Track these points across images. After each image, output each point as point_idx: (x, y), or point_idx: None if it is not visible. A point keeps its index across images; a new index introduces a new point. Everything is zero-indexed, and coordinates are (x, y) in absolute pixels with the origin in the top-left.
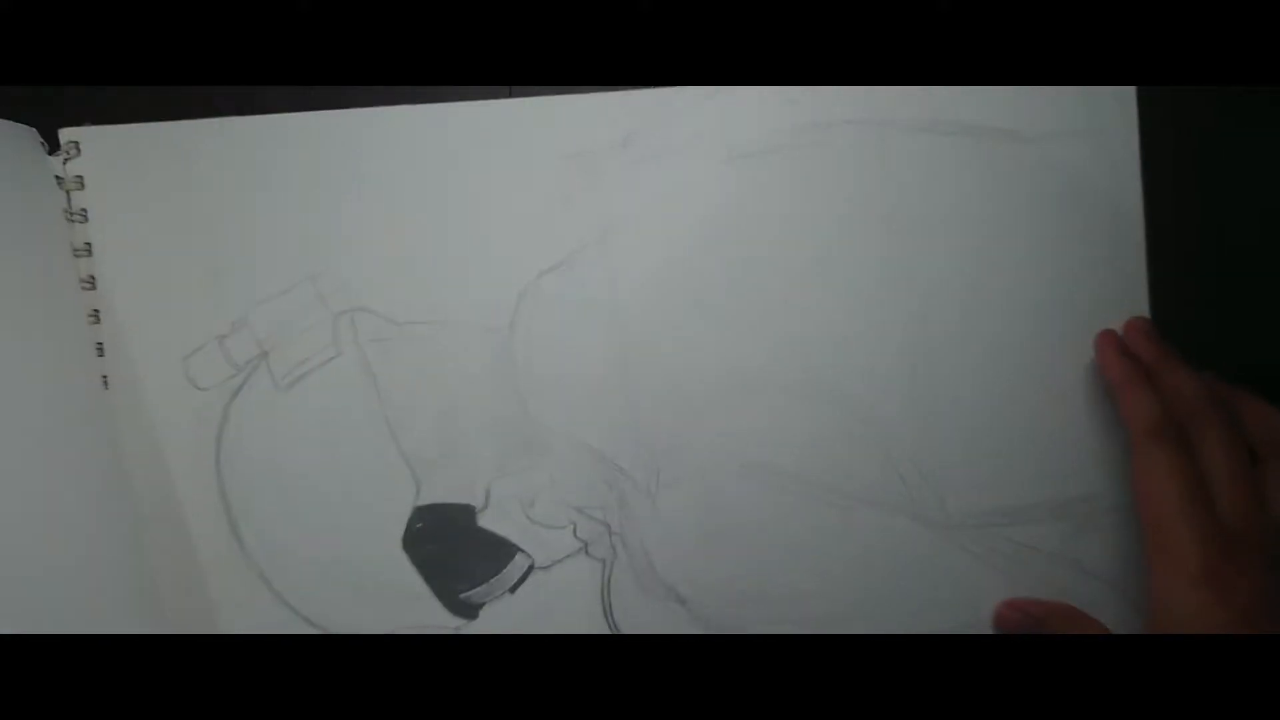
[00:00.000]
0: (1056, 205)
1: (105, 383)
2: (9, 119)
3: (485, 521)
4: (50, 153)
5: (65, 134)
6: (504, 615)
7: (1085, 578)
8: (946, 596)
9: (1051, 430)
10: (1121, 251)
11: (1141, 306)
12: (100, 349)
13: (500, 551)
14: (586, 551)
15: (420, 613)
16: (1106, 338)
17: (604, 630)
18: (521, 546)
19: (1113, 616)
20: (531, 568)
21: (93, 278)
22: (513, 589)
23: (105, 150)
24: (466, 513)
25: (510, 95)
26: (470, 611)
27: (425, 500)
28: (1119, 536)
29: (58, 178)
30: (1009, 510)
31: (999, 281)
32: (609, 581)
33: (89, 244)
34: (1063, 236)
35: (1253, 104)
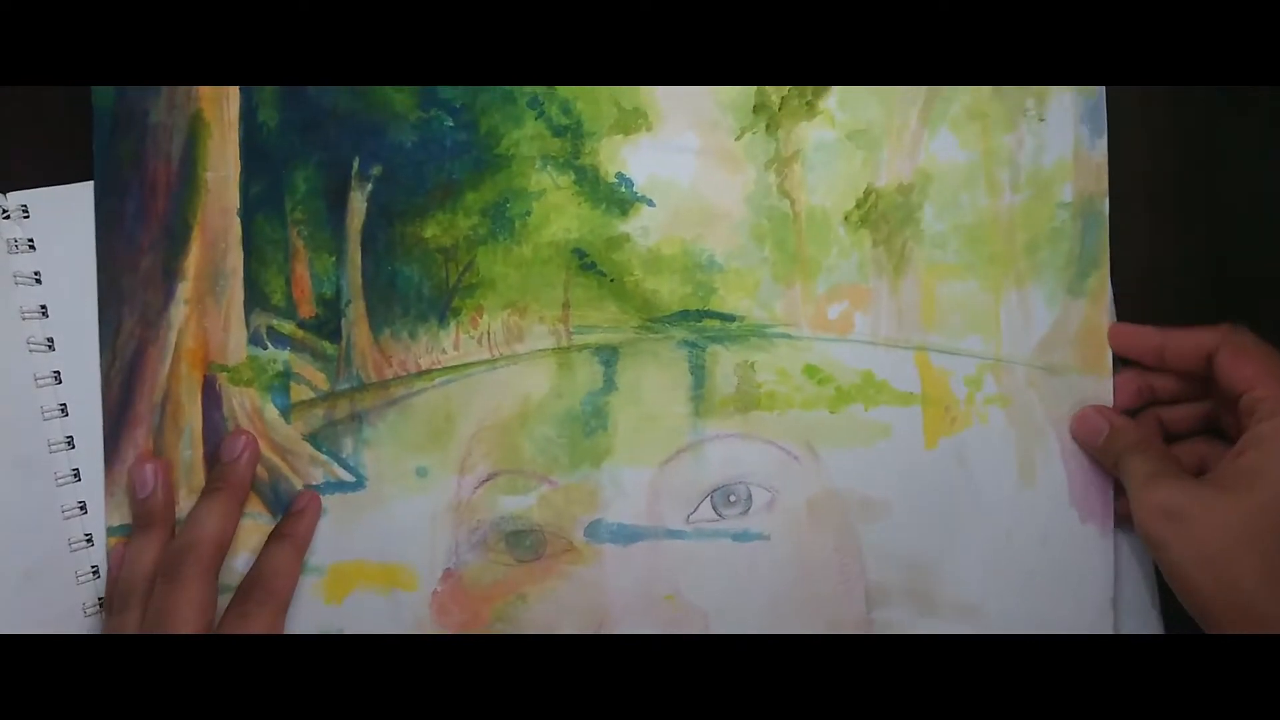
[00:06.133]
0: None
1: (72, 442)
2: None
3: None
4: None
5: (13, 198)
6: None
7: None
8: None
9: None
10: None
11: None
12: (64, 409)
13: None
14: None
15: None
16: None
17: None
18: None
19: None
20: None
21: (50, 340)
22: None
23: (54, 211)
24: None
25: None
26: None
27: None
28: None
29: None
30: None
31: None
32: None
33: (44, 306)
34: None
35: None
